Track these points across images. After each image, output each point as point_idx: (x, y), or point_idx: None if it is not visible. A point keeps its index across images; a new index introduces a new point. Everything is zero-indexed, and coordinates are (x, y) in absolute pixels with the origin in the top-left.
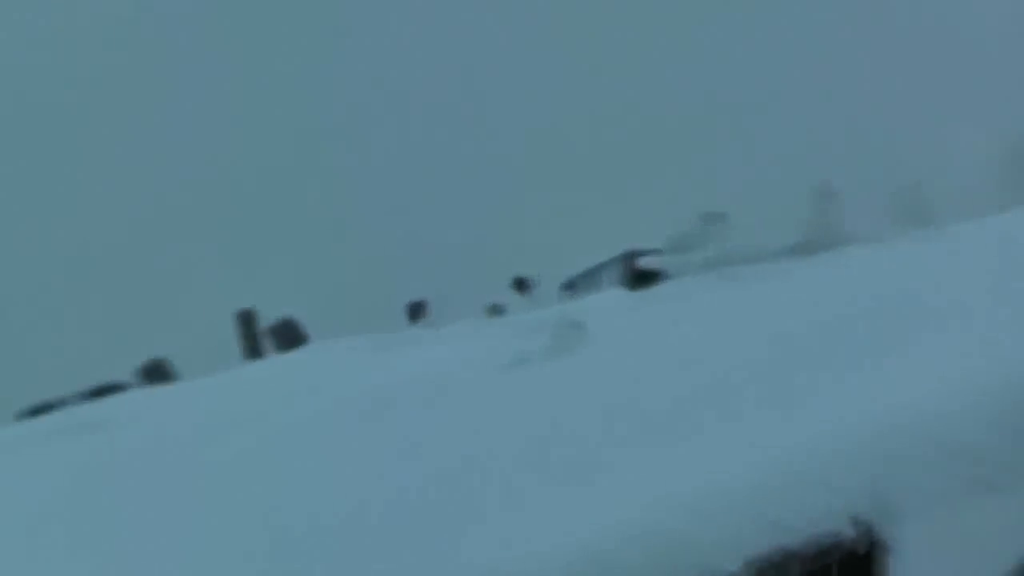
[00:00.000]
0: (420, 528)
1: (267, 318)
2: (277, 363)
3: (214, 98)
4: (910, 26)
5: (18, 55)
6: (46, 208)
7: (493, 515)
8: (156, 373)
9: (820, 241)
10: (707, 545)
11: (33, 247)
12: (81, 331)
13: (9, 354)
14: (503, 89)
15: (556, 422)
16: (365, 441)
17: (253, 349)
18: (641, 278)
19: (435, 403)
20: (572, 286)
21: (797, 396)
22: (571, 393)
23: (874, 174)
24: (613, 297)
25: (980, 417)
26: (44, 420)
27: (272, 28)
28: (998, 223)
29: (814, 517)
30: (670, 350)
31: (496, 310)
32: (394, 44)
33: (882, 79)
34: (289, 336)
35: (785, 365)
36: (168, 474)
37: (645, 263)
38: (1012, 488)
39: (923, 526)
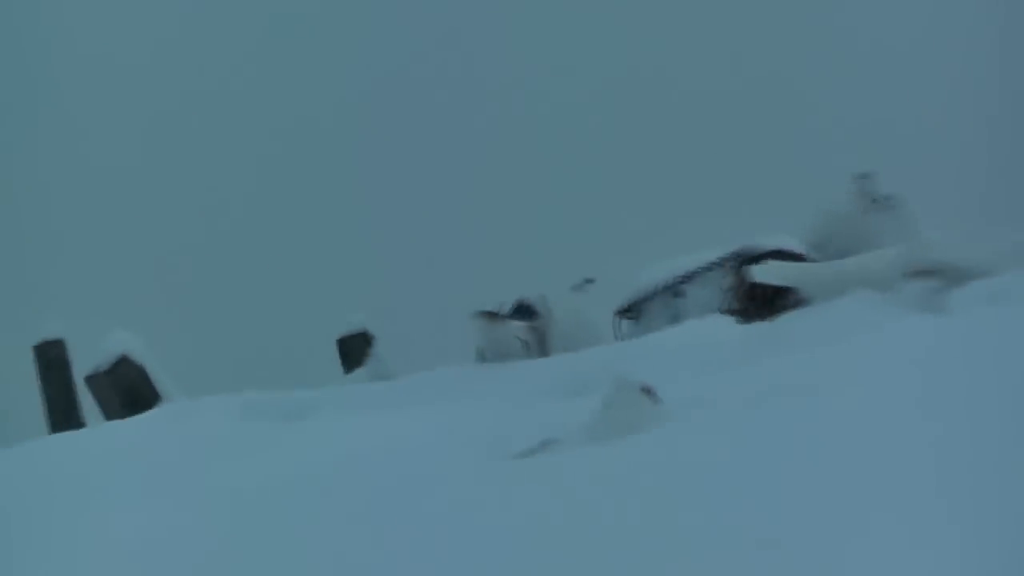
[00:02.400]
0: None
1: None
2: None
3: None
4: None
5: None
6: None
7: None
8: None
9: None
10: None
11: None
12: None
13: None
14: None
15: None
16: None
17: (62, 400)
18: (762, 298)
19: (372, 523)
20: (634, 312)
21: None
22: (628, 513)
23: None
24: (710, 331)
25: None
26: None
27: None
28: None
29: None
30: (820, 439)
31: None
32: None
33: None
34: (132, 388)
35: None
36: None
37: (767, 273)
38: None
39: None
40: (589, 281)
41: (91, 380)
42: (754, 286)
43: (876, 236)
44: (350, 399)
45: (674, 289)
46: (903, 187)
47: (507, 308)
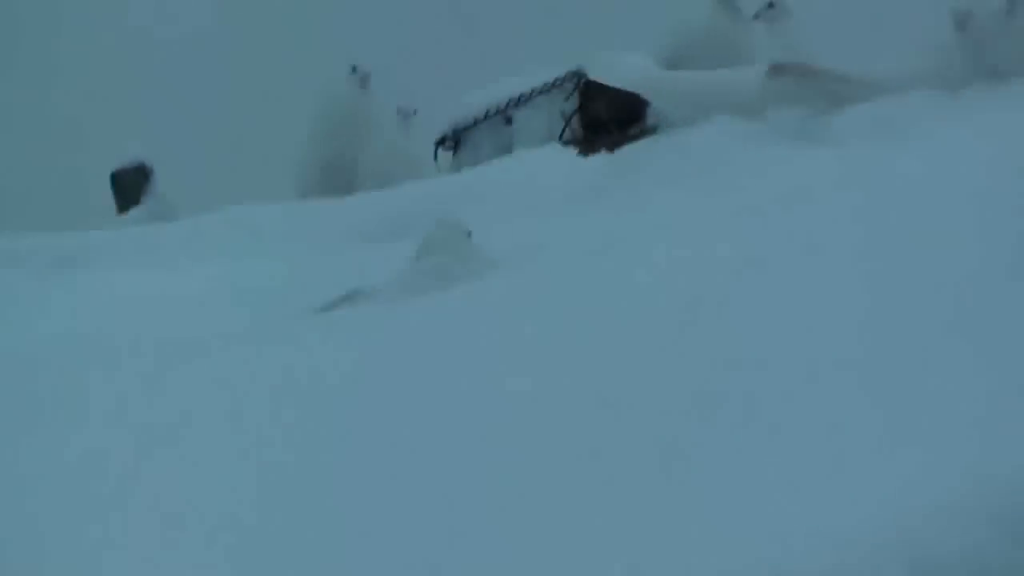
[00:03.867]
0: None
1: None
2: None
3: None
4: None
5: None
6: None
7: None
8: None
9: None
10: None
11: None
12: None
13: None
14: None
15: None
16: None
17: None
18: (605, 124)
19: (141, 394)
20: (455, 140)
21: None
22: (447, 375)
23: None
24: (545, 164)
25: None
26: None
27: None
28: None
29: None
30: (670, 295)
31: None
32: None
33: None
34: None
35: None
36: None
37: (605, 71)
38: None
39: None
40: (412, 111)
41: None
42: (597, 111)
43: (747, 54)
44: (123, 245)
45: (504, 115)
46: None
47: None
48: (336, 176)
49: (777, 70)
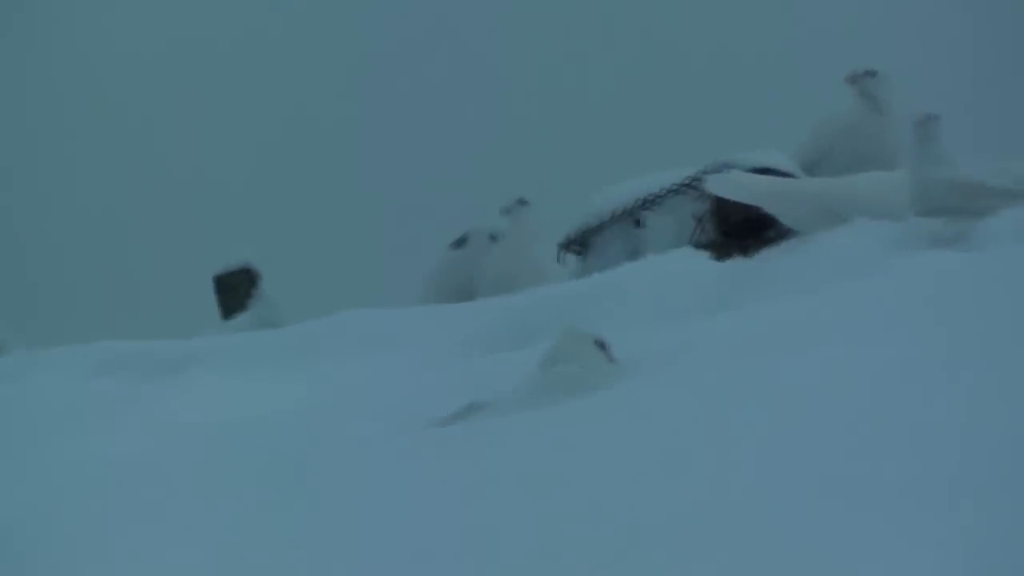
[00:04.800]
0: None
1: None
2: None
3: None
4: None
5: None
6: None
7: None
8: None
9: None
10: None
11: None
12: None
13: None
14: None
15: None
16: None
17: None
18: (742, 228)
19: (254, 515)
20: (582, 243)
21: None
22: (570, 499)
23: None
24: (677, 269)
25: None
26: None
27: None
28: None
29: None
30: (816, 407)
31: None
32: None
33: None
34: None
35: None
36: None
37: (727, 186)
38: None
39: None
40: (522, 203)
41: None
42: (731, 213)
43: (888, 154)
44: (229, 352)
45: (633, 216)
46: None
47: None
48: (459, 285)
49: (934, 198)
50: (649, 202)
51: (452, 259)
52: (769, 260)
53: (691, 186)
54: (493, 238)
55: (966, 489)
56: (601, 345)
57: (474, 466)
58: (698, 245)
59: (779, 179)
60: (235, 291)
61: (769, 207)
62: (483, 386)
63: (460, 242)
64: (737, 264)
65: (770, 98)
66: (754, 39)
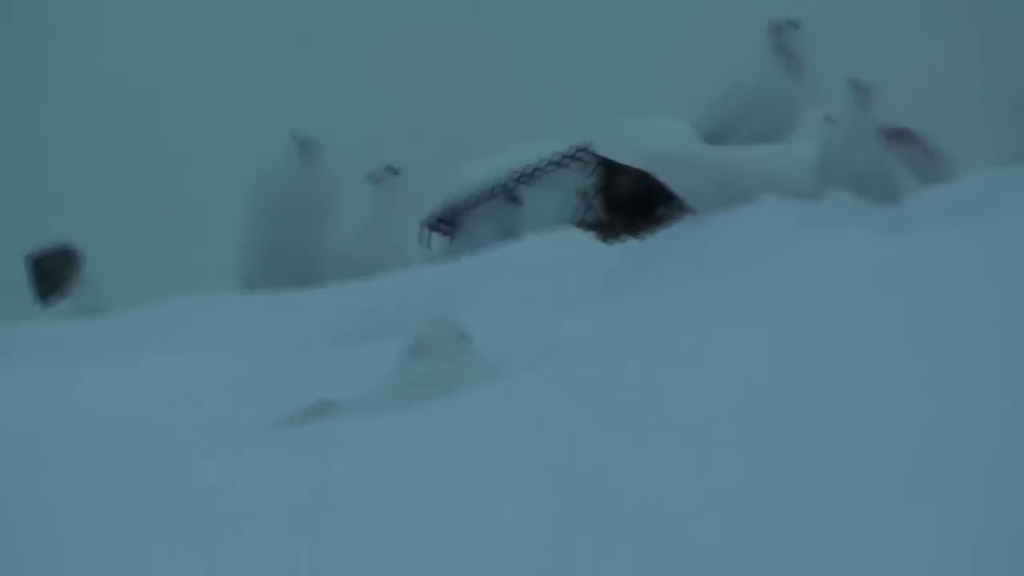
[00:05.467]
0: None
1: None
2: None
3: None
4: None
5: None
6: None
7: None
8: None
9: None
10: None
11: None
12: None
13: None
14: None
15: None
16: None
17: None
18: (631, 205)
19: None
20: (450, 222)
21: None
22: (420, 517)
23: None
24: (558, 251)
25: None
26: None
27: None
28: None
29: None
30: (717, 409)
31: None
32: None
33: None
34: None
35: None
36: None
37: (621, 150)
38: None
39: None
40: (392, 171)
41: None
42: (621, 188)
43: (804, 122)
44: (47, 342)
45: (509, 192)
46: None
47: None
48: (286, 265)
49: (898, 136)
50: (527, 176)
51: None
52: (663, 242)
53: (575, 158)
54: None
55: (886, 490)
56: (469, 339)
57: (321, 473)
58: (583, 224)
59: (680, 145)
60: (53, 274)
61: (665, 176)
62: (336, 383)
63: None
64: (626, 246)
65: (670, 60)
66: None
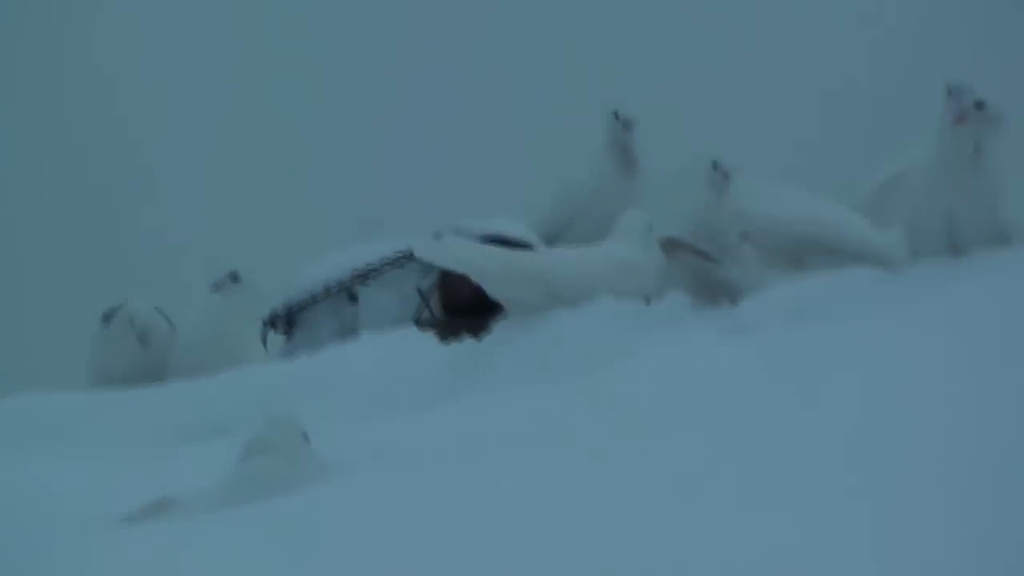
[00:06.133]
0: None
1: None
2: None
3: None
4: None
5: None
6: None
7: None
8: None
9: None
10: None
11: None
12: None
13: None
14: None
15: None
16: None
17: None
18: (469, 305)
19: None
20: (288, 321)
21: None
22: None
23: None
24: (395, 351)
25: None
26: None
27: None
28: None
29: None
30: (539, 515)
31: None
32: None
33: None
34: None
35: None
36: None
37: (436, 252)
38: None
39: None
40: (234, 279)
41: None
42: (460, 288)
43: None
44: None
45: (347, 290)
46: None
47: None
48: (141, 360)
49: (672, 247)
50: (364, 275)
51: (102, 339)
52: (498, 343)
53: (414, 257)
54: (132, 323)
55: None
56: (307, 438)
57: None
58: (421, 323)
59: (502, 250)
60: None
61: (482, 281)
62: (175, 481)
63: (108, 317)
64: (464, 346)
65: (513, 160)
66: (496, 92)
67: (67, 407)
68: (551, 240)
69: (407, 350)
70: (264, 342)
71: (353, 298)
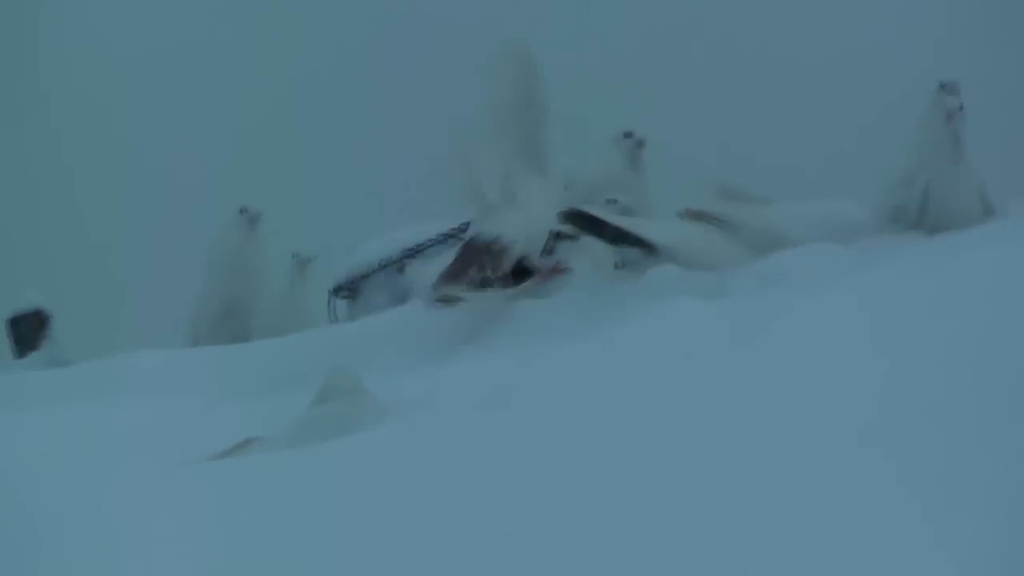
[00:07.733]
0: None
1: None
2: None
3: None
4: None
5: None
6: None
7: None
8: None
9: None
10: None
11: None
12: None
13: None
14: None
15: None
16: None
17: None
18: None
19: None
20: (351, 289)
21: None
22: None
23: None
24: (437, 313)
25: None
26: None
27: None
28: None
29: None
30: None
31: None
32: None
33: None
34: None
35: None
36: None
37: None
38: None
39: None
40: (307, 259)
41: None
42: (484, 264)
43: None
44: (17, 389)
45: (397, 265)
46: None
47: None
48: (231, 323)
49: (694, 215)
50: (414, 251)
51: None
52: (519, 308)
53: (453, 236)
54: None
55: None
56: (364, 386)
57: (242, 500)
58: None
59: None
60: (28, 333)
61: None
62: (259, 425)
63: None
64: (490, 309)
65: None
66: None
67: (163, 362)
68: None
69: (445, 313)
70: (333, 308)
71: (402, 271)
